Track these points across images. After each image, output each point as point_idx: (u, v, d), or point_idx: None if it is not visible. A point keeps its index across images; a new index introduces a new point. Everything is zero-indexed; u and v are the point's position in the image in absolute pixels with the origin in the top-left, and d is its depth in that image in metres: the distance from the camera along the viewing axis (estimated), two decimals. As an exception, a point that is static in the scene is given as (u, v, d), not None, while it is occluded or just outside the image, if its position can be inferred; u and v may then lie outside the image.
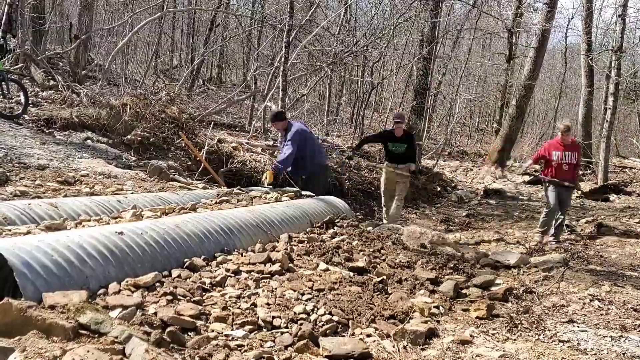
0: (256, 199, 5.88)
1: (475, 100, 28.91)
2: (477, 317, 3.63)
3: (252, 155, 10.35)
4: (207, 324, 2.82)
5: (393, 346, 2.95)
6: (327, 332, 2.97)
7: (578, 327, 3.47)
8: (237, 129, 13.84)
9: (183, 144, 9.21)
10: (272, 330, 2.89)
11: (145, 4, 17.77)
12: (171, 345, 2.45)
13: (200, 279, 3.30)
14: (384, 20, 17.75)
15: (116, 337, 2.21)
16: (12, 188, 5.34)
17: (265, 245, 4.23)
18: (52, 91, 10.84)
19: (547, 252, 6.53)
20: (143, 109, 9.97)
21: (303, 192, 6.54)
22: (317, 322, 3.04)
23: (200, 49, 19.08)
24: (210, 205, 5.36)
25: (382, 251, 4.71)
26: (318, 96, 23.67)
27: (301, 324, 2.95)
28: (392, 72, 22.99)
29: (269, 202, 5.66)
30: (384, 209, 8.75)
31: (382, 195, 8.85)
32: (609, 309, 3.95)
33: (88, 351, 2.02)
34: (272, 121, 7.99)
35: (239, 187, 7.05)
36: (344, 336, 2.99)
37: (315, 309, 3.19)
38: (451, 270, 4.58)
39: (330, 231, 5.02)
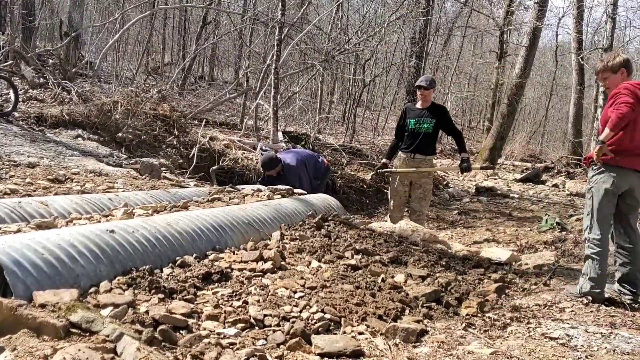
0: (248, 197, 5.87)
1: (467, 98, 29.01)
2: (468, 315, 3.64)
3: (244, 153, 10.33)
4: (199, 322, 2.81)
5: (385, 344, 2.96)
6: (319, 330, 2.98)
7: (568, 324, 3.50)
8: (229, 127, 13.81)
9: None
10: (264, 328, 2.89)
11: (136, 1, 17.68)
12: (163, 343, 2.44)
13: (192, 277, 3.30)
14: (376, 18, 17.75)
15: (107, 336, 2.20)
16: (2, 186, 5.30)
17: (257, 243, 4.23)
18: (42, 89, 10.78)
19: (538, 249, 6.56)
20: (134, 107, 9.92)
21: (295, 190, 6.53)
22: (309, 320, 3.04)
23: (192, 46, 19.01)
24: (202, 203, 5.36)
25: (374, 249, 4.72)
26: (310, 94, 23.66)
27: (293, 322, 2.95)
28: (384, 70, 23.02)
29: (261, 200, 5.65)
30: (388, 219, 6.81)
31: (391, 199, 6.83)
32: (598, 306, 3.98)
33: (79, 350, 2.01)
34: (266, 169, 7.25)
35: (230, 185, 7.04)
36: (336, 334, 2.99)
37: (308, 306, 3.19)
38: (443, 268, 4.60)
39: (323, 229, 5.02)
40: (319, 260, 4.14)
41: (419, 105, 6.48)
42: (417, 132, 6.38)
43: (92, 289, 2.89)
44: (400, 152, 6.63)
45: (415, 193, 6.64)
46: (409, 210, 6.86)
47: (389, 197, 6.92)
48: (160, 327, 2.53)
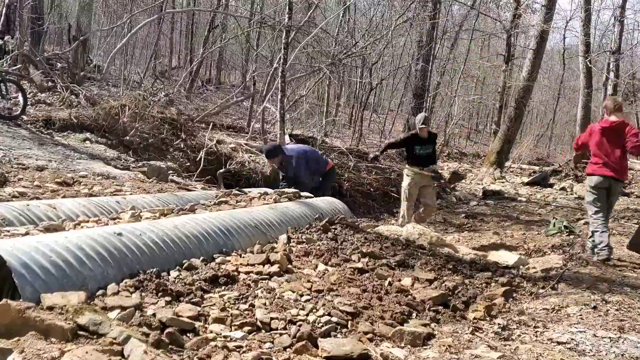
0: (255, 200, 5.88)
1: (474, 102, 28.96)
2: (475, 318, 3.63)
3: (250, 156, 10.35)
4: (205, 325, 2.82)
5: (391, 347, 2.95)
6: (326, 333, 2.97)
7: (576, 328, 3.48)
8: (236, 130, 13.85)
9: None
10: (271, 332, 2.89)
11: (144, 5, 17.78)
12: (170, 346, 2.45)
13: (198, 280, 3.30)
14: (383, 21, 17.77)
15: (115, 338, 2.21)
16: (10, 189, 5.33)
17: (264, 246, 4.23)
18: (51, 92, 10.84)
19: (546, 253, 6.53)
20: (142, 110, 9.97)
21: (302, 193, 6.54)
22: (316, 323, 3.04)
23: (199, 50, 19.09)
24: (209, 206, 5.36)
25: (381, 252, 4.71)
26: (317, 97, 23.68)
27: (300, 325, 2.95)
28: (391, 73, 23.01)
29: (267, 203, 5.66)
30: (404, 217, 8.10)
31: (406, 201, 8.19)
32: (607, 310, 3.95)
33: (87, 352, 2.02)
34: (268, 157, 7.73)
35: (237, 188, 7.06)
36: (343, 337, 2.99)
37: (314, 310, 3.19)
38: (450, 272, 4.58)
39: (330, 232, 5.02)
40: (326, 264, 4.13)
41: (422, 134, 8.12)
42: (422, 155, 8.14)
43: (100, 292, 2.89)
44: (412, 168, 8.18)
45: (426, 191, 8.26)
46: (424, 206, 8.32)
47: (403, 199, 8.25)
48: (168, 330, 2.54)
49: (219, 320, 2.87)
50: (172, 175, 8.29)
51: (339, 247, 4.63)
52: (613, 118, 6.09)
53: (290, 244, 4.45)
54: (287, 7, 10.30)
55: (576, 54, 23.46)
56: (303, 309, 3.18)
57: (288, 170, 7.54)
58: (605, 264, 5.66)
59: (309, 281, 3.64)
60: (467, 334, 3.29)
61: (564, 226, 7.95)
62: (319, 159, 7.94)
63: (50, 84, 11.21)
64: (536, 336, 3.30)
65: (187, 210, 4.94)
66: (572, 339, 3.25)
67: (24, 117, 9.00)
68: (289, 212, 5.24)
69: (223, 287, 3.34)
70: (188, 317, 2.79)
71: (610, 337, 3.31)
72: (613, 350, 3.11)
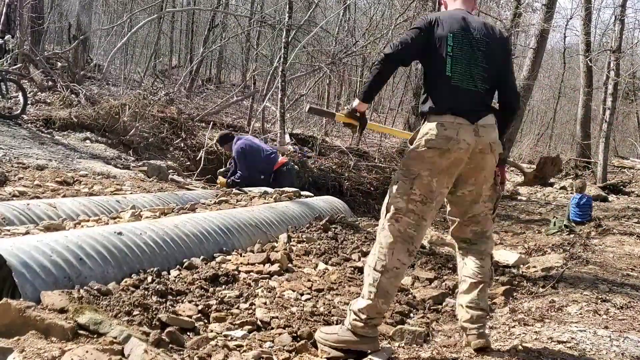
0: (255, 199, 5.88)
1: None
2: (475, 317, 3.62)
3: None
4: (206, 324, 2.82)
5: (391, 346, 2.95)
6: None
7: (577, 327, 3.47)
8: (236, 129, 13.83)
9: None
10: (271, 331, 2.89)
11: (144, 4, 17.79)
12: (170, 345, 2.45)
13: (199, 279, 3.30)
14: (383, 20, 17.75)
15: (115, 338, 2.21)
16: (10, 188, 5.33)
17: (264, 245, 4.24)
18: (51, 91, 10.84)
19: (546, 252, 6.53)
20: (142, 110, 9.97)
21: (302, 192, 6.54)
22: (316, 322, 3.04)
23: (199, 49, 19.08)
24: (209, 205, 5.37)
25: (381, 251, 4.71)
26: (317, 96, 23.67)
27: (300, 324, 2.95)
28: (391, 72, 22.94)
29: (267, 203, 5.66)
30: None
31: None
32: (607, 309, 3.95)
33: (87, 351, 2.02)
34: (219, 144, 8.22)
35: (237, 187, 7.06)
36: (342, 336, 2.99)
37: (315, 309, 3.19)
38: (450, 271, 4.58)
39: (330, 231, 5.02)
40: (326, 263, 4.14)
41: None
42: None
43: (100, 291, 2.89)
44: None
45: None
46: None
47: None
48: (168, 329, 2.54)
49: (219, 320, 2.88)
50: (172, 175, 8.29)
51: (339, 246, 4.63)
52: None
53: (291, 243, 4.46)
54: (287, 6, 10.29)
55: (577, 52, 23.43)
56: (303, 308, 3.18)
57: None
58: None
59: (309, 280, 3.65)
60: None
61: (565, 225, 7.95)
62: (257, 156, 7.65)
63: (50, 83, 11.20)
64: (536, 335, 3.30)
65: (188, 209, 4.95)
66: (573, 338, 3.24)
67: (24, 116, 9.00)
68: (289, 211, 5.25)
69: (223, 286, 3.34)
70: (188, 316, 2.80)
71: (610, 336, 3.31)
72: (613, 350, 3.11)
